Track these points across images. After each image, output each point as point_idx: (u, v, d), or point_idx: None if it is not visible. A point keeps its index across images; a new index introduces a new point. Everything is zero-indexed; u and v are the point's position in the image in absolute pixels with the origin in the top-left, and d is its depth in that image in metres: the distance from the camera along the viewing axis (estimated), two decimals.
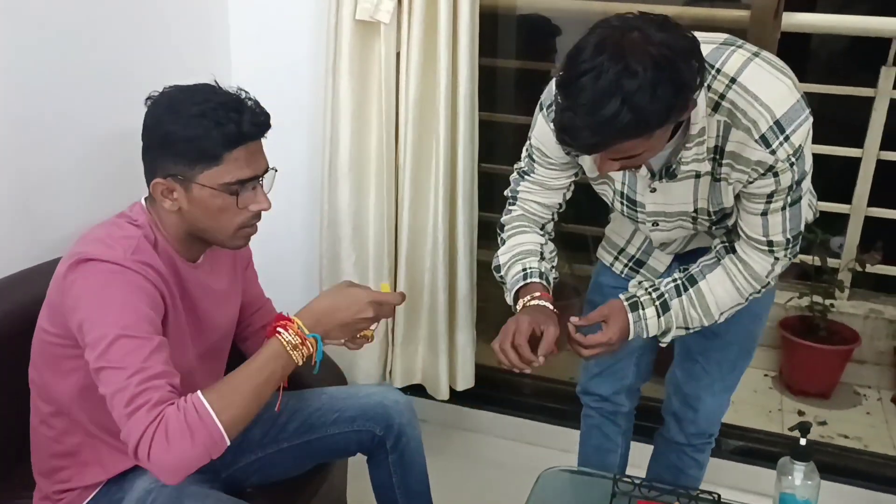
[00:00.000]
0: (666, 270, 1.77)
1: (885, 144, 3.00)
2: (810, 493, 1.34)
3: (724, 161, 1.43)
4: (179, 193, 1.40)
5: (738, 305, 1.58)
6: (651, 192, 1.54)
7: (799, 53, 3.15)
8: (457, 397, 2.54)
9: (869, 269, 3.04)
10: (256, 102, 1.42)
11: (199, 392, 1.27)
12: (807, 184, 1.46)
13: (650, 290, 1.61)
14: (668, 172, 1.47)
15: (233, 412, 1.27)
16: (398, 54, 2.25)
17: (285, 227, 2.43)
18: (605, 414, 1.99)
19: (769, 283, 1.55)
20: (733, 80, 1.37)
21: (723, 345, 1.78)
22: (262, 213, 1.47)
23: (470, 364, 2.50)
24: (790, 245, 1.51)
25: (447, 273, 2.38)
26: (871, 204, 3.08)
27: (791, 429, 1.61)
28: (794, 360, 3.12)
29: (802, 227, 1.51)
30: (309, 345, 1.37)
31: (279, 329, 1.36)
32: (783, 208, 1.45)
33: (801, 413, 2.99)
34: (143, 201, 1.48)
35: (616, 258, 1.84)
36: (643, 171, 1.47)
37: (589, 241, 2.74)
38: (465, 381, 2.50)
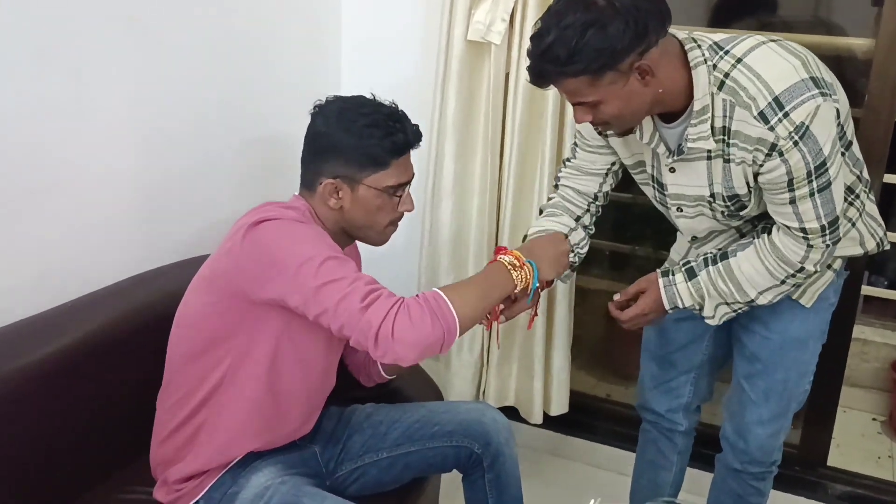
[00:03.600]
0: None
1: None
2: None
3: (731, 141, 1.44)
4: (345, 193, 1.52)
5: (775, 287, 1.56)
6: (671, 172, 1.57)
7: None
8: (549, 422, 2.52)
9: None
10: (404, 112, 1.56)
11: (434, 288, 1.40)
12: (836, 170, 1.42)
13: (681, 262, 1.67)
14: (679, 150, 1.52)
15: (466, 310, 1.38)
16: (507, 75, 2.27)
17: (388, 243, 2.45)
18: (661, 430, 1.98)
19: (804, 268, 1.53)
20: (739, 60, 1.41)
21: (766, 371, 1.74)
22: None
23: (565, 388, 2.47)
24: (826, 232, 1.48)
25: (545, 295, 2.36)
26: None
27: None
28: None
29: (839, 213, 1.47)
30: (527, 270, 1.51)
31: (501, 256, 1.51)
32: (811, 195, 1.43)
33: None
34: (297, 193, 1.58)
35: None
36: (661, 148, 1.53)
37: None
38: (560, 406, 2.48)
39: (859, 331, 2.80)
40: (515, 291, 1.51)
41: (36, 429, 1.50)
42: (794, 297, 1.66)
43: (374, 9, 2.47)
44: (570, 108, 2.20)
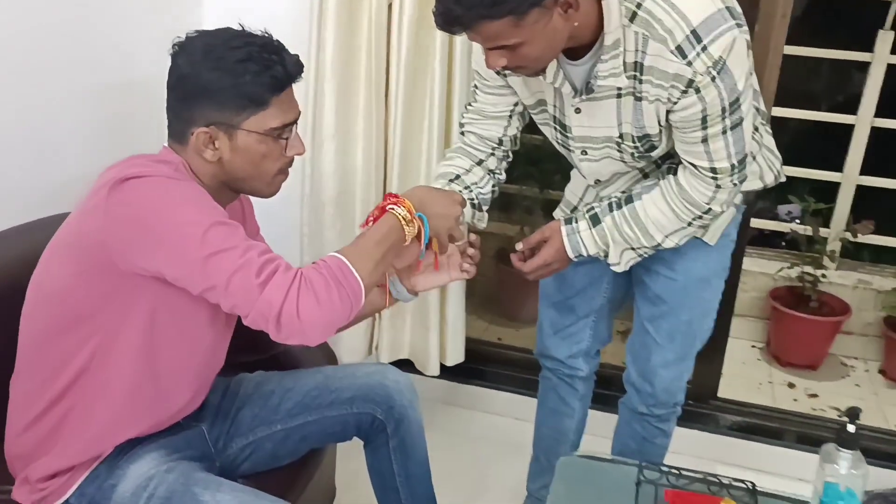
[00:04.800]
0: None
1: (881, 111, 2.94)
2: (856, 483, 1.25)
3: (643, 77, 1.37)
4: (222, 142, 1.32)
5: (682, 229, 1.53)
6: (576, 113, 1.50)
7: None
8: (446, 372, 2.43)
9: (859, 238, 3.00)
10: (280, 41, 1.36)
11: (330, 253, 1.27)
12: (748, 107, 1.39)
13: (586, 208, 1.61)
14: (587, 88, 1.43)
15: (368, 268, 1.26)
16: (390, 6, 2.10)
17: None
18: (561, 377, 1.94)
19: (711, 209, 1.49)
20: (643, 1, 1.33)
21: (671, 312, 1.72)
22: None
23: (461, 338, 2.39)
24: (735, 171, 1.45)
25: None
26: (863, 172, 3.02)
27: (841, 414, 1.53)
28: (783, 331, 3.07)
29: (748, 151, 1.44)
30: (416, 223, 1.37)
31: (392, 206, 1.36)
32: (723, 132, 1.39)
33: (791, 385, 2.94)
34: (166, 145, 1.38)
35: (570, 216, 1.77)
36: (567, 88, 1.45)
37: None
38: (456, 356, 2.40)
39: None
40: (407, 243, 1.38)
41: None
42: (697, 234, 1.62)
43: None
44: (459, 44, 2.09)
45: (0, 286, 1.46)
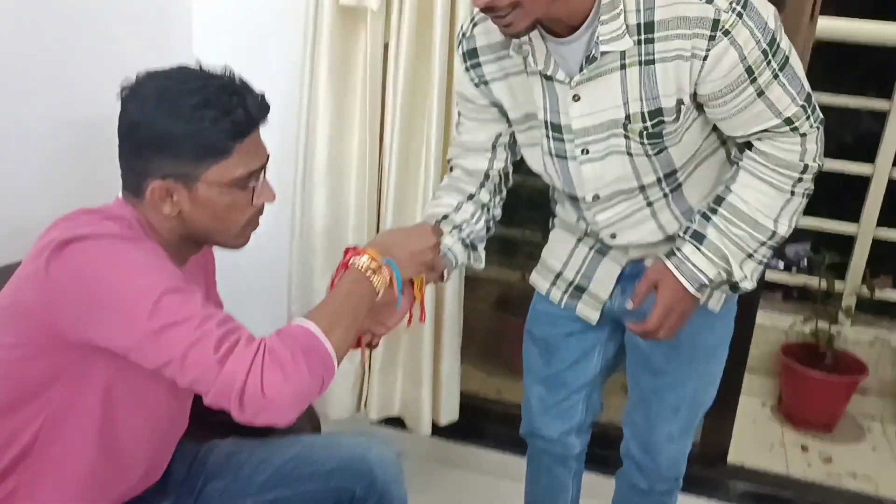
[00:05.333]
0: (611, 295, 1.57)
1: None
2: None
3: (656, 35, 1.25)
4: (181, 195, 1.20)
5: (787, 204, 1.35)
6: (575, 101, 1.34)
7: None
8: (439, 430, 2.29)
9: (877, 294, 2.86)
10: (243, 79, 1.23)
11: (296, 318, 1.14)
12: (787, 44, 1.26)
13: (680, 233, 1.42)
14: (589, 60, 1.29)
15: (338, 334, 1.14)
16: (386, 45, 2.00)
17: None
18: (554, 457, 1.78)
19: (807, 165, 1.33)
20: None
21: (675, 384, 1.58)
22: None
23: (455, 395, 2.26)
24: (808, 111, 1.30)
25: (434, 292, 2.13)
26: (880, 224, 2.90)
27: None
28: (796, 389, 2.92)
29: (807, 87, 1.30)
30: (385, 272, 1.25)
31: (353, 258, 1.25)
32: (775, 77, 1.26)
33: (804, 448, 2.79)
34: (119, 195, 1.25)
35: (553, 284, 1.64)
36: (561, 74, 1.32)
37: None
38: (450, 414, 2.26)
39: None
40: (377, 299, 1.25)
41: None
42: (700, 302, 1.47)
43: None
44: (457, 85, 1.97)
45: None
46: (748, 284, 1.39)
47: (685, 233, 1.40)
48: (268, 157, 1.27)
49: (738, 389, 2.24)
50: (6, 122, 1.66)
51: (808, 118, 1.30)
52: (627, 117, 1.32)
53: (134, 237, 1.15)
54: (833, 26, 2.12)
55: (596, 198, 1.44)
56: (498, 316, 3.01)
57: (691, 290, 1.37)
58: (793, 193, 1.35)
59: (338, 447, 1.48)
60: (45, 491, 1.20)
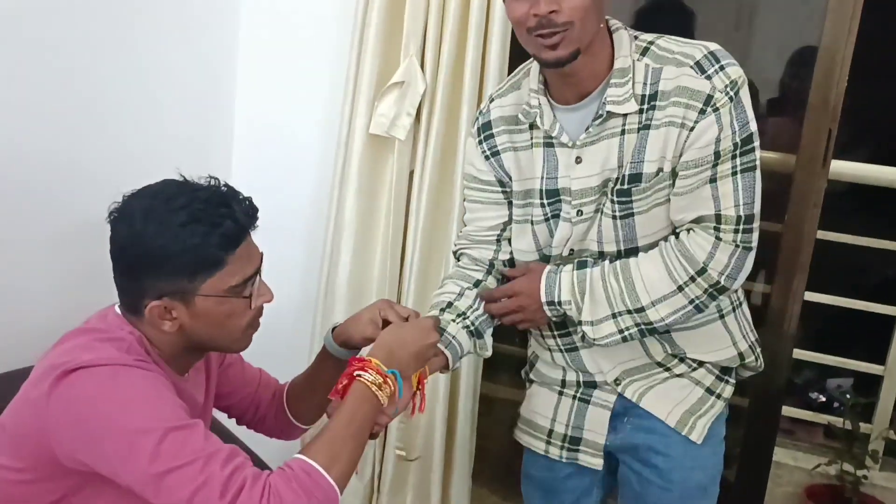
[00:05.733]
0: (606, 438, 1.58)
1: None
2: None
3: (658, 103, 1.38)
4: (180, 311, 1.23)
5: (672, 296, 1.40)
6: (577, 163, 1.44)
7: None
8: None
9: None
10: (230, 186, 1.28)
11: (297, 454, 1.18)
12: (758, 155, 1.38)
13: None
14: (596, 119, 1.41)
15: (340, 466, 1.18)
16: (411, 173, 2.13)
17: (270, 347, 2.22)
18: None
19: (707, 270, 1.38)
20: (658, 37, 1.42)
21: None
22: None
23: None
24: (741, 224, 1.37)
25: (445, 413, 2.18)
26: None
27: None
28: None
29: (757, 210, 1.38)
30: (390, 382, 1.28)
31: (359, 372, 1.27)
32: (733, 174, 1.36)
33: None
34: (117, 309, 1.29)
35: (548, 443, 1.65)
36: (565, 137, 1.43)
37: None
38: None
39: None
40: (383, 405, 1.28)
41: None
42: (683, 432, 1.51)
43: (270, 89, 2.33)
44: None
45: None
46: (591, 334, 1.45)
47: (577, 258, 1.49)
48: (261, 257, 1.30)
49: None
50: (20, 223, 1.76)
51: (735, 231, 1.37)
52: (617, 179, 1.41)
53: (134, 363, 1.18)
54: (848, 169, 2.23)
55: (571, 252, 1.51)
56: (514, 435, 2.99)
57: (543, 296, 1.47)
58: (680, 289, 1.40)
59: None
60: None
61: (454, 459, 2.22)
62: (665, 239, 1.44)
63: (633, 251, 1.45)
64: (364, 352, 1.34)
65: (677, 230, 1.43)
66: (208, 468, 1.09)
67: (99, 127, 1.91)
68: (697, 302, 1.41)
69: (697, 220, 1.39)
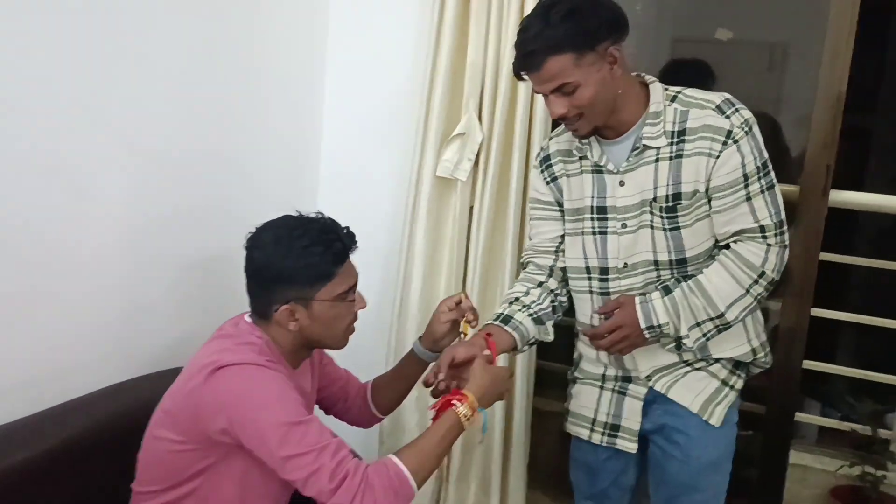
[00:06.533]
0: (640, 424, 1.84)
1: None
2: None
3: (686, 138, 1.65)
4: (301, 314, 1.55)
5: (741, 298, 1.68)
6: (621, 185, 1.72)
7: (845, 228, 3.22)
8: None
9: None
10: (333, 218, 1.62)
11: (393, 456, 1.46)
12: (773, 175, 1.67)
13: (658, 283, 1.75)
14: (634, 150, 1.69)
15: (422, 475, 1.46)
16: (471, 208, 2.43)
17: (353, 359, 2.51)
18: None
19: (765, 272, 1.67)
20: (684, 88, 1.71)
21: (685, 493, 1.82)
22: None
23: None
24: (779, 228, 1.67)
25: (504, 417, 2.45)
26: None
27: None
28: None
29: (784, 216, 1.67)
30: (477, 417, 1.56)
31: (456, 402, 1.54)
32: (762, 191, 1.64)
33: None
34: (247, 318, 1.62)
35: (591, 430, 1.91)
36: (610, 165, 1.72)
37: None
38: None
39: (799, 457, 2.89)
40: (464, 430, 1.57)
41: None
42: (704, 417, 1.78)
43: (352, 144, 2.64)
44: (526, 240, 2.38)
45: (125, 429, 1.67)
46: (689, 342, 1.71)
47: (660, 285, 1.73)
48: (357, 274, 1.63)
49: None
50: (160, 253, 2.09)
51: (776, 234, 1.67)
52: (655, 198, 1.70)
53: (266, 364, 1.49)
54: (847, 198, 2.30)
55: (625, 265, 1.77)
56: (564, 448, 3.23)
57: (642, 322, 1.71)
58: (747, 292, 1.69)
59: None
60: None
61: (511, 454, 2.46)
62: (715, 254, 1.71)
63: (682, 260, 1.72)
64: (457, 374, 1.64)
65: (720, 242, 1.72)
66: (320, 458, 1.39)
67: (224, 174, 2.26)
68: (760, 298, 1.71)
69: (739, 233, 1.67)
